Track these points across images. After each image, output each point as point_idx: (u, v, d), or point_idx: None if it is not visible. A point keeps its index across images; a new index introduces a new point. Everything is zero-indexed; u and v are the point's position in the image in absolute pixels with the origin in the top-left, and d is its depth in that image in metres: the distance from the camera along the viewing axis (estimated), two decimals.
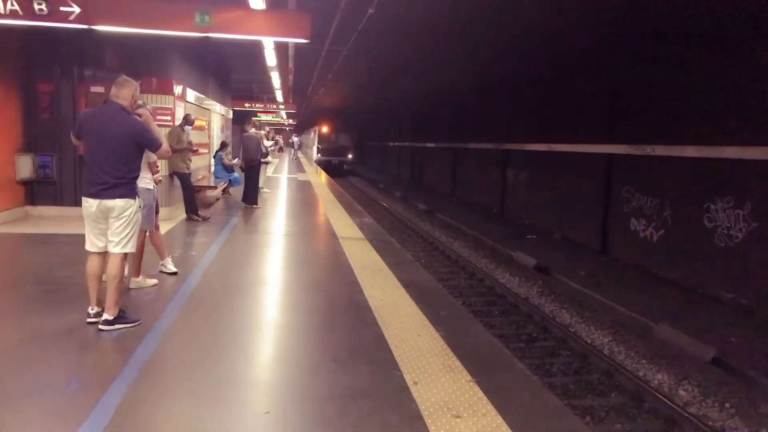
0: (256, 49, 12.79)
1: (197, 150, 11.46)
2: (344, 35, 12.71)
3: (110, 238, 4.78)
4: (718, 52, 9.91)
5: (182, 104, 11.53)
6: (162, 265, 6.49)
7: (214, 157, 13.80)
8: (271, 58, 12.87)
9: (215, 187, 14.31)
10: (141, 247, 5.92)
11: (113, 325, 4.68)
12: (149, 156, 5.80)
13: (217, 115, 18.51)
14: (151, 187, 5.94)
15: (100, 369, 4.07)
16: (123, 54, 9.91)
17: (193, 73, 13.29)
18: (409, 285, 6.36)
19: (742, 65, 9.42)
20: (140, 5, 7.90)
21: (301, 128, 66.83)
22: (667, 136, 11.10)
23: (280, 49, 12.64)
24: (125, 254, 4.90)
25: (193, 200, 10.51)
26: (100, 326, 4.67)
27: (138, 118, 4.96)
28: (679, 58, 10.93)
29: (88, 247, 4.84)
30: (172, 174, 10.29)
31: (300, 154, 49.82)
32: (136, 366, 4.01)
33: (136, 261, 5.89)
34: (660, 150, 11.26)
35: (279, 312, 5.66)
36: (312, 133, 47.34)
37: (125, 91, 4.81)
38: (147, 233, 6.12)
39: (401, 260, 7.83)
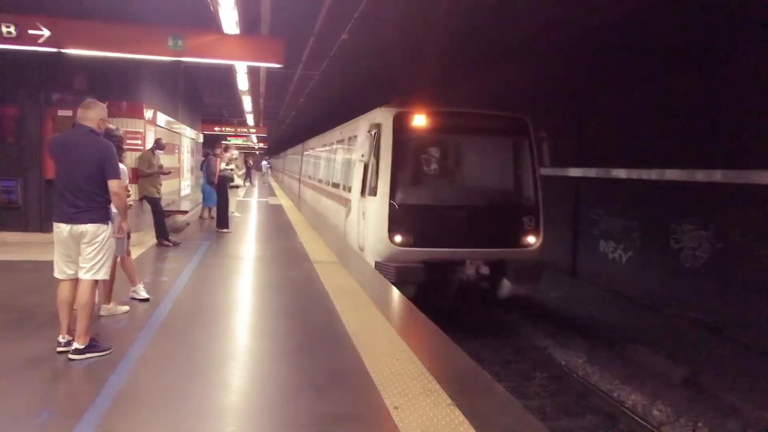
0: (228, 73, 12.81)
1: (169, 172, 11.32)
2: (317, 60, 12.82)
3: (81, 264, 4.65)
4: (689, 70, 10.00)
5: (153, 128, 11.42)
6: (133, 291, 6.35)
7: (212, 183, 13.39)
8: (243, 82, 12.89)
9: (185, 212, 14.13)
10: (112, 274, 5.80)
11: (84, 354, 4.54)
12: (122, 180, 5.72)
13: (187, 138, 18.37)
14: None
15: (72, 399, 3.94)
16: (92, 77, 9.79)
17: (164, 96, 13.20)
18: (385, 308, 6.34)
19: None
20: (112, 29, 7.86)
21: (272, 151, 66.57)
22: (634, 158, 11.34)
23: (253, 73, 12.67)
24: (96, 281, 4.78)
25: (163, 225, 10.35)
26: (71, 355, 4.53)
27: (108, 142, 4.82)
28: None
29: (57, 274, 4.71)
30: (142, 198, 10.13)
31: (270, 179, 47.11)
32: (109, 396, 3.89)
33: (107, 287, 5.76)
34: (623, 173, 11.52)
35: (254, 338, 5.58)
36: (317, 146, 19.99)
37: (92, 113, 4.71)
38: (118, 259, 5.99)
39: (377, 283, 7.81)
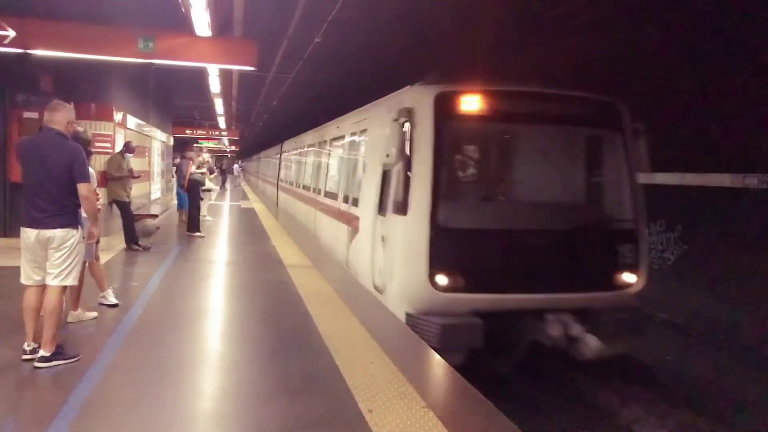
0: (200, 75, 12.69)
1: (139, 176, 11.16)
2: (290, 63, 12.78)
3: (49, 270, 4.53)
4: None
5: (122, 131, 11.24)
6: (102, 297, 6.22)
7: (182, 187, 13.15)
8: (215, 85, 12.78)
9: (156, 216, 13.92)
10: (81, 279, 5.68)
11: (50, 361, 4.42)
12: (91, 183, 5.62)
13: (157, 141, 18.13)
14: None
15: (38, 408, 3.85)
16: (60, 78, 9.59)
17: (134, 99, 13.01)
18: (360, 312, 6.33)
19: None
20: (80, 29, 7.73)
21: (244, 154, 66.09)
22: None
23: (225, 75, 12.58)
24: (65, 287, 4.67)
25: (133, 229, 10.18)
26: (36, 363, 4.41)
27: (76, 144, 4.72)
28: None
29: (24, 280, 4.59)
30: (112, 202, 9.95)
31: (242, 182, 45.79)
32: (77, 404, 3.81)
33: (74, 293, 5.63)
34: None
35: (226, 343, 5.53)
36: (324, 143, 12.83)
37: (58, 116, 4.60)
38: (86, 264, 5.87)
39: (351, 287, 7.79)
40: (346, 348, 5.10)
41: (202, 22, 7.57)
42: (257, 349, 5.19)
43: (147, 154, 15.69)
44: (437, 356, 5.01)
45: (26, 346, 4.53)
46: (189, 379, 4.50)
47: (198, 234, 12.12)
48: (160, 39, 7.77)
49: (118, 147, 10.46)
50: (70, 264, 4.57)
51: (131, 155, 10.44)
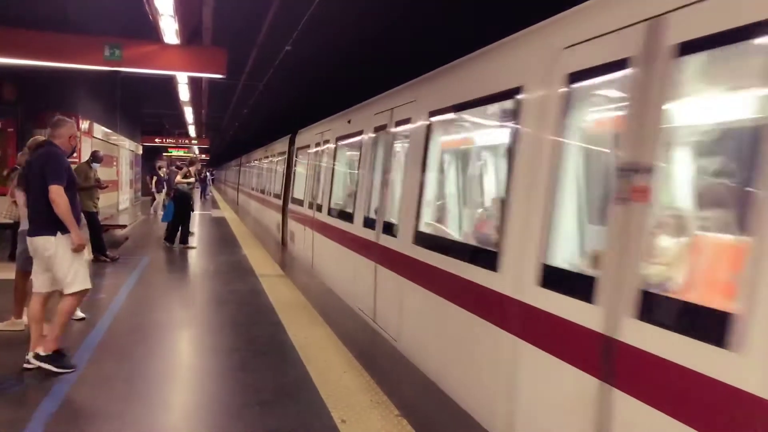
0: (169, 83, 12.55)
1: (107, 186, 10.96)
2: (261, 71, 12.73)
3: (56, 278, 4.60)
4: None
5: (89, 140, 11.04)
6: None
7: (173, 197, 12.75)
8: (184, 93, 12.66)
9: (124, 226, 13.69)
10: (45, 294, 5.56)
11: (41, 361, 4.46)
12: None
13: (126, 150, 17.88)
14: None
15: (1, 427, 3.73)
16: (23, 87, 9.40)
17: (102, 107, 12.81)
18: (333, 321, 6.31)
19: None
20: (44, 38, 7.59)
21: (215, 163, 65.45)
22: None
23: (194, 84, 12.47)
24: (74, 294, 4.60)
25: (101, 240, 9.99)
26: (27, 357, 4.48)
27: (55, 149, 4.67)
28: None
29: (34, 288, 4.77)
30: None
31: (212, 190, 44.58)
32: (41, 421, 3.71)
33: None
34: None
35: (197, 355, 5.45)
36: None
37: (61, 131, 4.74)
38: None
39: (323, 296, 7.76)
40: (319, 357, 5.07)
41: (170, 30, 7.50)
42: (228, 360, 5.13)
43: (115, 163, 15.44)
44: (411, 364, 5.02)
45: (28, 356, 4.53)
46: (159, 392, 4.42)
47: (189, 246, 11.85)
48: (127, 47, 7.67)
49: (85, 156, 10.27)
50: (66, 271, 4.52)
51: (98, 165, 10.26)
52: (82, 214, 9.62)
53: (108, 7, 8.29)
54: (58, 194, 4.40)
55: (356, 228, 6.90)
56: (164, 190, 15.28)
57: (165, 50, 7.94)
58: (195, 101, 15.79)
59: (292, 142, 12.92)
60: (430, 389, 4.46)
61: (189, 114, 18.47)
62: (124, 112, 16.51)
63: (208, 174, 55.49)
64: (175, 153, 32.19)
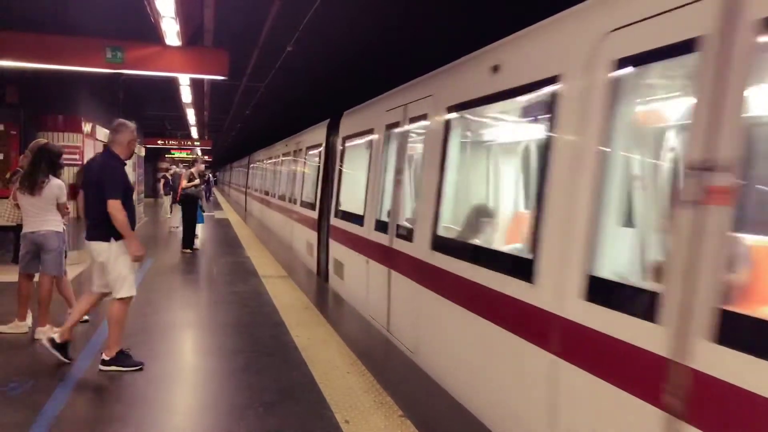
0: (170, 85, 12.56)
1: None
2: (263, 71, 12.72)
3: (108, 281, 4.81)
4: None
5: (92, 142, 11.05)
6: (70, 313, 6.08)
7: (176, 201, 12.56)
8: (186, 95, 12.66)
9: None
10: (49, 295, 5.58)
11: (109, 365, 4.67)
12: (59, 197, 5.53)
13: None
14: (61, 230, 5.63)
15: (5, 429, 3.73)
16: (26, 90, 9.41)
17: (104, 110, 12.81)
18: (336, 322, 6.30)
19: None
20: (46, 40, 7.59)
21: (217, 164, 65.48)
22: None
23: (196, 85, 12.48)
24: (122, 299, 4.79)
25: None
26: (99, 365, 4.70)
27: (113, 160, 4.79)
28: None
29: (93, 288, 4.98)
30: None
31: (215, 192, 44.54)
32: (45, 423, 3.71)
33: (42, 309, 5.53)
34: None
35: (201, 356, 5.45)
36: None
37: (120, 137, 4.83)
38: (54, 280, 5.75)
39: (326, 297, 7.77)
40: (322, 358, 5.07)
41: (171, 32, 7.49)
42: (232, 361, 5.12)
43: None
44: (415, 364, 5.00)
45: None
46: (162, 393, 4.42)
47: (188, 251, 11.80)
48: (128, 49, 7.66)
49: (88, 159, 10.27)
50: (116, 276, 4.73)
51: None
52: None
53: (109, 10, 8.30)
54: (116, 209, 4.58)
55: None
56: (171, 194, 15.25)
57: (166, 52, 7.93)
58: (197, 103, 15.78)
59: (332, 130, 9.38)
60: (434, 390, 4.45)
61: (191, 115, 18.46)
62: (126, 114, 16.52)
63: (210, 176, 55.38)
64: (177, 155, 32.20)
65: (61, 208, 5.63)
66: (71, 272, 6.43)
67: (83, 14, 8.11)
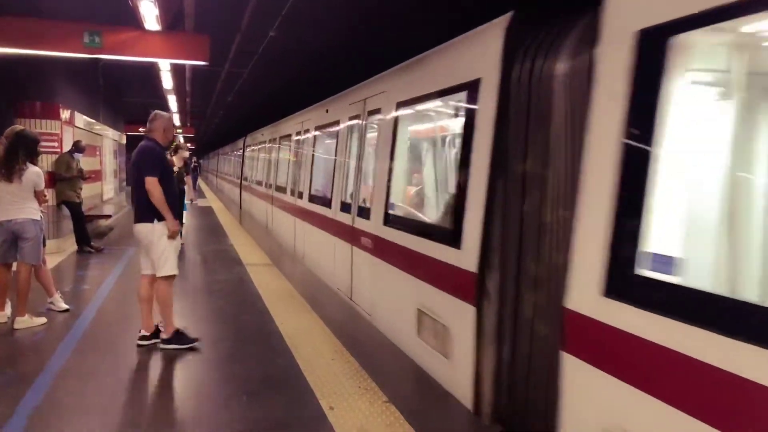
0: (152, 71, 12.37)
1: (89, 177, 10.81)
2: (245, 57, 12.57)
3: (151, 260, 4.99)
4: None
5: (70, 129, 10.86)
6: (50, 302, 5.99)
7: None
8: (167, 81, 12.48)
9: (109, 216, 13.54)
10: (27, 284, 5.49)
11: (168, 344, 4.94)
12: (37, 184, 5.43)
13: (109, 140, 17.64)
14: (39, 218, 5.52)
15: None
16: (1, 75, 9.20)
17: (83, 96, 12.60)
18: (321, 309, 6.28)
19: None
20: (23, 24, 7.41)
21: (200, 152, 64.83)
22: None
23: (177, 71, 12.29)
24: (166, 277, 4.97)
25: (84, 230, 9.86)
26: (159, 345, 4.97)
27: (151, 144, 4.99)
28: None
29: (142, 270, 5.16)
30: (61, 203, 9.61)
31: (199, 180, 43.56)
32: (24, 414, 3.66)
33: (21, 298, 5.44)
34: None
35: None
36: None
37: (155, 124, 5.06)
38: (33, 268, 5.65)
39: (311, 285, 7.72)
40: (307, 345, 5.05)
41: (150, 16, 7.35)
42: (215, 350, 5.08)
43: (98, 153, 15.24)
44: (399, 350, 5.00)
45: (143, 333, 5.05)
46: (144, 383, 4.38)
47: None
48: (107, 34, 7.51)
49: (67, 146, 10.11)
50: (160, 255, 4.90)
51: (81, 155, 10.11)
52: (65, 205, 9.55)
53: None
54: (153, 185, 4.79)
55: None
56: None
57: (146, 37, 7.78)
58: (179, 89, 15.58)
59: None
60: (418, 376, 4.45)
61: (173, 102, 18.22)
62: (106, 101, 16.26)
63: (195, 163, 54.59)
64: None
65: (38, 196, 5.52)
66: (51, 261, 6.32)
67: None
